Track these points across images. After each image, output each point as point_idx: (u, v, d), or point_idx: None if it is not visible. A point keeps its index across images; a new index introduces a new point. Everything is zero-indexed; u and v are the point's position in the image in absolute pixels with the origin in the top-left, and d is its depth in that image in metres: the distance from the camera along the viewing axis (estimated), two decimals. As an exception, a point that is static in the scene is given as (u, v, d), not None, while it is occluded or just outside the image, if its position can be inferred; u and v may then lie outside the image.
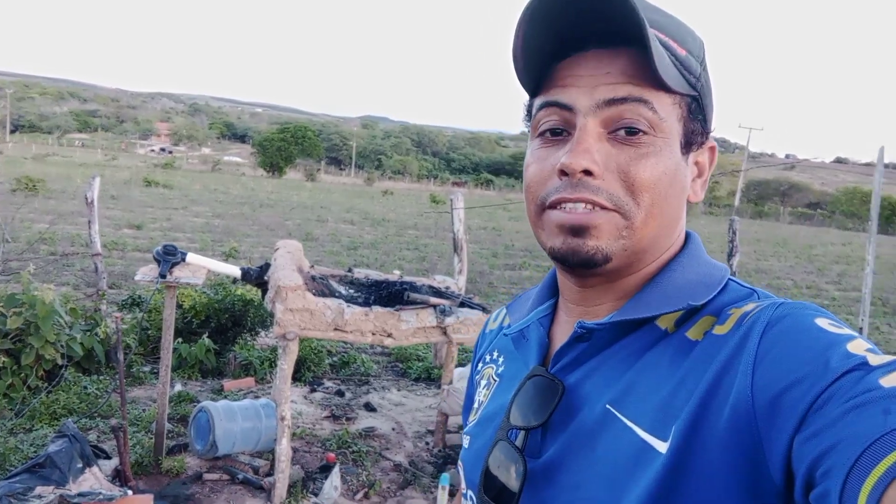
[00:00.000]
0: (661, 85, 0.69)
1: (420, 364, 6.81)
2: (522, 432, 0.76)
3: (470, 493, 0.85)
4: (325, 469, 4.25)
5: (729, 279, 0.75)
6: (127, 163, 50.08)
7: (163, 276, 4.08)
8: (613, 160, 0.71)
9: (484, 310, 4.35)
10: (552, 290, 0.89)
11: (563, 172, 0.71)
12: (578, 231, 0.71)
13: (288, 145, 59.24)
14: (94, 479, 3.21)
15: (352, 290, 4.65)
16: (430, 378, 6.59)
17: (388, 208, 29.99)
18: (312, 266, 4.92)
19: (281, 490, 3.89)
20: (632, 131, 0.70)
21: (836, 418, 0.53)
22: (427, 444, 5.04)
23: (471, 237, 6.18)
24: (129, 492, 3.27)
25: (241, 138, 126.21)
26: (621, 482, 0.66)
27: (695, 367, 0.66)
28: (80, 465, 3.19)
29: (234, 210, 22.51)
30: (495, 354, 0.96)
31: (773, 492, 0.59)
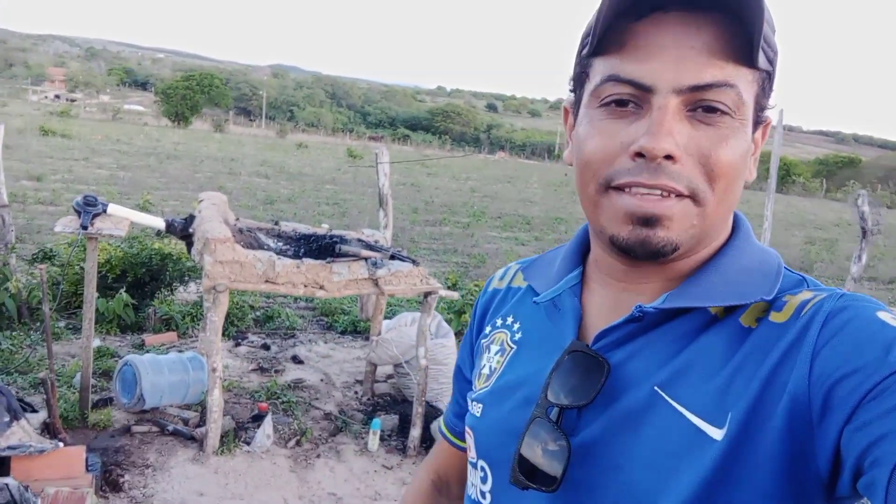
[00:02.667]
0: (751, 63, 0.65)
1: (346, 317, 6.88)
2: (557, 409, 0.72)
3: (482, 463, 0.82)
4: (257, 419, 4.30)
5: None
6: (19, 110, 46.83)
7: (84, 227, 3.96)
8: (694, 142, 0.65)
9: (414, 262, 4.45)
10: (579, 257, 0.85)
11: (639, 155, 0.65)
12: (650, 221, 0.66)
13: (194, 94, 56.76)
14: (22, 432, 3.15)
15: (280, 243, 4.65)
16: (357, 331, 6.67)
17: (303, 162, 29.45)
18: (238, 219, 4.87)
19: (213, 440, 3.92)
20: (712, 109, 0.65)
21: (888, 409, 0.54)
22: (356, 393, 5.15)
23: (391, 193, 6.21)
24: (61, 444, 3.23)
25: (143, 86, 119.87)
26: (669, 467, 0.65)
27: (752, 354, 0.65)
28: (6, 419, 3.12)
29: (139, 161, 21.58)
30: (509, 319, 0.89)
31: (817, 482, 0.60)
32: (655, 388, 0.68)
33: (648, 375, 0.69)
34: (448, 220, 15.74)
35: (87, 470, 3.28)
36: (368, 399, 5.05)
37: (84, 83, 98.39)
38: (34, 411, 3.48)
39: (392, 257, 4.43)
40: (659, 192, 0.65)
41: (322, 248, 4.47)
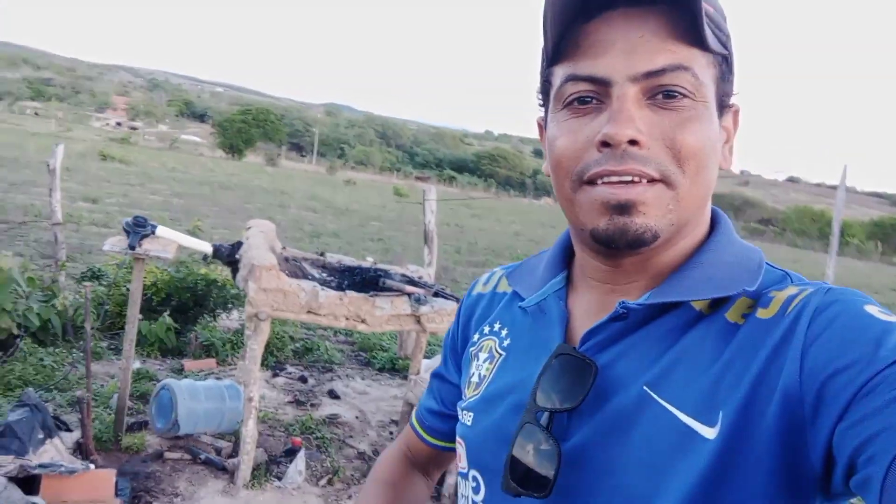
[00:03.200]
0: (701, 44, 0.66)
1: (384, 354, 6.78)
2: (547, 414, 0.71)
3: (474, 472, 0.81)
4: (290, 453, 4.20)
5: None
6: (82, 135, 48.67)
7: (132, 247, 3.97)
8: (657, 127, 0.66)
9: (457, 300, 4.35)
10: (563, 261, 0.85)
11: (604, 144, 0.66)
12: (625, 208, 0.66)
13: (249, 127, 58.36)
14: (55, 450, 3.11)
15: (324, 274, 4.61)
16: (395, 368, 6.56)
17: (351, 199, 29.79)
18: (284, 248, 4.85)
19: (245, 472, 3.83)
20: (671, 94, 0.66)
21: (882, 406, 0.53)
22: (391, 433, 5.02)
23: (436, 231, 6.20)
24: (92, 466, 3.18)
25: (201, 117, 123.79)
26: (661, 468, 0.64)
27: (741, 351, 0.64)
28: (41, 436, 3.09)
29: (193, 190, 22.09)
30: (497, 326, 0.89)
31: (812, 478, 0.59)
32: (644, 387, 0.68)
33: (637, 375, 0.69)
34: (491, 262, 15.63)
35: (117, 494, 3.21)
36: (403, 440, 4.91)
37: (145, 112, 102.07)
38: (69, 430, 3.44)
39: (436, 294, 4.34)
40: (629, 177, 0.65)
41: (366, 282, 4.40)
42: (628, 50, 0.66)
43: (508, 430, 0.74)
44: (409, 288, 4.20)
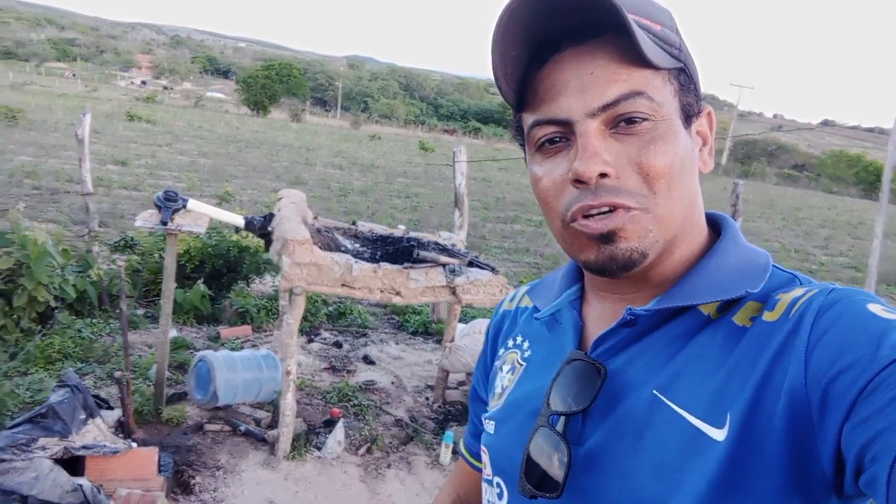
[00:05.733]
0: (649, 65, 0.68)
1: (417, 318, 6.77)
2: (562, 418, 0.74)
3: (497, 479, 0.84)
4: (329, 423, 4.22)
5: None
6: (108, 95, 48.85)
7: (164, 223, 3.94)
8: (623, 154, 0.69)
9: (493, 270, 4.28)
10: (577, 274, 0.87)
11: (577, 181, 0.69)
12: (608, 237, 0.69)
13: (273, 83, 57.94)
14: (97, 430, 3.14)
15: (357, 245, 4.55)
16: (428, 332, 6.55)
17: (376, 154, 29.64)
18: (316, 217, 4.80)
19: (285, 444, 3.85)
20: (632, 120, 0.68)
21: (884, 404, 0.53)
22: (427, 399, 5.02)
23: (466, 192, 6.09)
24: (134, 444, 3.20)
25: (224, 73, 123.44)
26: (673, 470, 0.65)
27: (747, 353, 0.65)
28: (83, 417, 3.11)
29: (219, 149, 22.12)
30: (519, 339, 0.92)
31: (823, 481, 0.59)
32: (654, 391, 0.69)
33: (647, 380, 0.71)
34: (520, 218, 15.49)
35: (160, 471, 3.25)
36: (440, 406, 4.92)
37: (169, 70, 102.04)
38: (109, 408, 3.47)
39: (470, 264, 4.27)
40: (607, 209, 0.68)
41: (399, 252, 4.34)
42: (581, 88, 0.69)
43: (526, 436, 0.77)
44: (444, 259, 4.13)
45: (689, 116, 0.73)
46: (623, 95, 0.68)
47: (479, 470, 1.02)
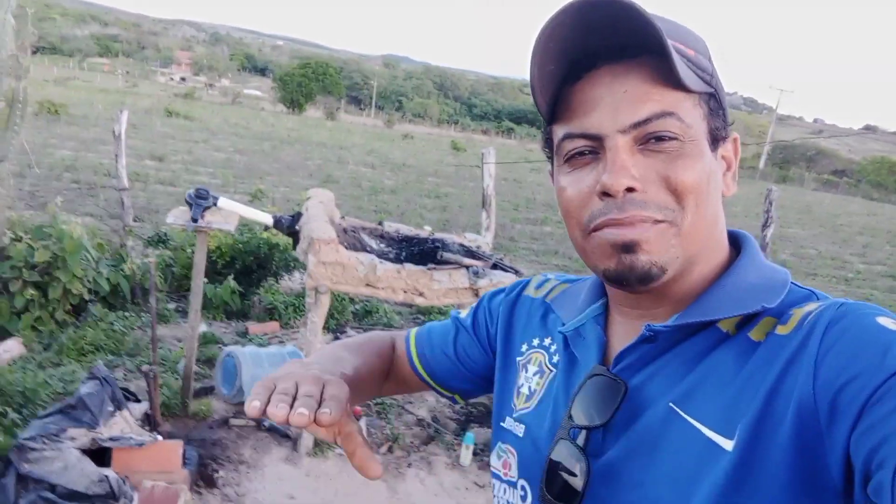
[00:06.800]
0: (681, 87, 0.70)
1: (442, 317, 6.78)
2: (583, 431, 0.76)
3: (522, 482, 0.85)
4: (350, 422, 4.26)
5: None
6: (147, 90, 49.79)
7: (195, 220, 4.02)
8: (651, 170, 0.71)
9: (517, 272, 4.28)
10: (602, 289, 0.88)
11: (605, 194, 0.71)
12: (630, 247, 0.71)
13: (309, 81, 58.58)
14: (124, 422, 3.22)
15: (382, 245, 4.58)
16: (453, 333, 6.56)
17: (408, 153, 29.75)
18: (343, 217, 4.84)
19: (307, 441, 3.91)
20: (661, 138, 0.70)
21: (890, 411, 0.54)
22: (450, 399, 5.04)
23: (494, 194, 6.11)
24: (159, 437, 3.28)
25: (262, 71, 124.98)
26: (687, 480, 0.67)
27: (759, 366, 0.67)
28: (111, 409, 3.19)
29: (254, 146, 22.41)
30: (547, 341, 0.93)
31: (833, 490, 0.60)
32: (671, 404, 0.71)
33: (664, 394, 0.72)
34: (549, 220, 15.42)
35: (184, 464, 3.31)
36: (461, 407, 4.93)
37: (208, 67, 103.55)
38: (137, 401, 3.55)
39: (494, 266, 4.27)
40: (632, 222, 0.70)
41: (423, 253, 4.37)
42: (614, 105, 0.71)
43: (550, 444, 0.79)
44: (467, 261, 4.15)
45: (716, 140, 0.75)
46: (655, 114, 0.70)
47: (415, 371, 1.06)
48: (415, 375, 1.08)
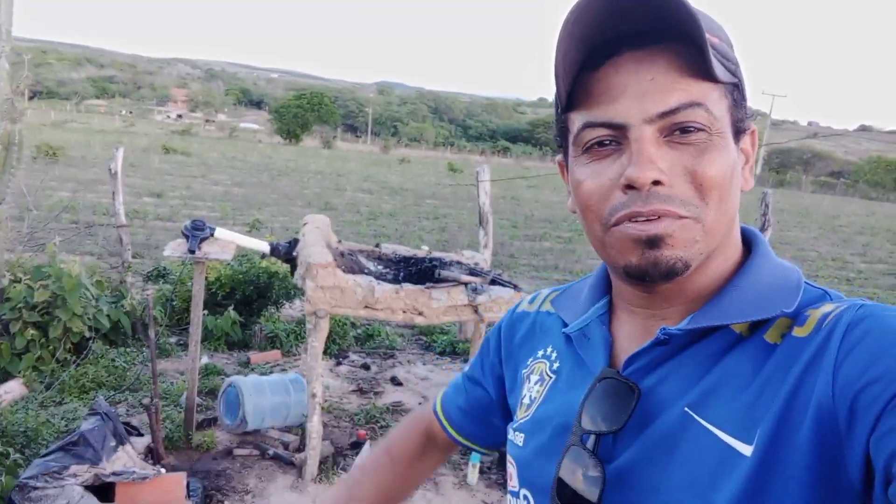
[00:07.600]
0: (710, 77, 0.67)
1: (445, 338, 6.77)
2: (593, 436, 0.74)
3: (525, 491, 0.83)
4: (356, 446, 4.24)
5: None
6: (145, 129, 50.14)
7: (192, 251, 4.03)
8: (678, 163, 0.68)
9: (515, 287, 4.28)
10: (605, 286, 0.86)
11: (629, 186, 0.68)
12: (654, 242, 0.68)
13: (304, 112, 59.02)
14: (126, 457, 3.20)
15: (380, 267, 4.59)
16: (455, 352, 6.55)
17: (405, 177, 29.86)
18: (340, 241, 4.86)
19: (312, 467, 3.88)
20: (687, 130, 0.68)
21: None
22: (455, 420, 5.01)
23: (491, 211, 6.14)
24: (163, 470, 3.26)
25: (258, 104, 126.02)
26: (706, 486, 0.65)
27: (777, 370, 0.66)
28: (113, 444, 3.18)
29: (252, 178, 22.51)
30: (548, 349, 0.91)
31: (852, 492, 0.59)
32: (686, 409, 0.69)
33: (679, 397, 0.71)
34: (548, 235, 15.44)
35: (189, 495, 3.29)
36: (468, 426, 4.90)
37: (204, 103, 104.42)
38: (139, 434, 3.54)
39: (492, 282, 4.27)
40: (656, 216, 0.67)
41: (421, 272, 4.37)
42: (640, 93, 0.68)
43: (556, 451, 0.76)
44: (465, 277, 4.15)
45: (738, 132, 0.73)
46: (683, 104, 0.67)
47: (451, 437, 1.09)
48: (452, 441, 1.11)
